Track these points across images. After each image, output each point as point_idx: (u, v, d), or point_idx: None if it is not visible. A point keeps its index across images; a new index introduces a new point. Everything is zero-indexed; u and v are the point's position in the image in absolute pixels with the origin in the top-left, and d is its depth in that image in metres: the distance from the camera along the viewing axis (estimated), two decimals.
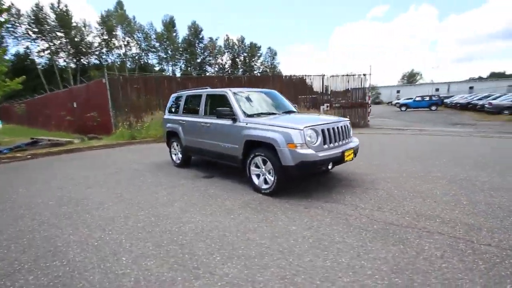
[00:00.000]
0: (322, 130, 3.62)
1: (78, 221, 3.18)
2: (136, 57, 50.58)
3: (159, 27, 51.50)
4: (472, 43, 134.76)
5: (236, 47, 59.99)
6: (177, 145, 5.79)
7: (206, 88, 5.20)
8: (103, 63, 44.97)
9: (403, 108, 27.45)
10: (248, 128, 3.95)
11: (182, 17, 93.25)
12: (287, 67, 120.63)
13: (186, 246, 2.51)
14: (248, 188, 4.10)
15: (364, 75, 13.86)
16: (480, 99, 22.47)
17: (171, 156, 6.03)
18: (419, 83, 62.33)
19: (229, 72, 55.35)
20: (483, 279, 1.88)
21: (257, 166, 3.95)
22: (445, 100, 29.48)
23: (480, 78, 66.50)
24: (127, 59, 48.53)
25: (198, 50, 55.80)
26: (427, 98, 27.37)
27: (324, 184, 4.14)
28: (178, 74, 47.17)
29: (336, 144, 3.81)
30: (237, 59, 60.37)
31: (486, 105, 19.02)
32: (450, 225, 2.67)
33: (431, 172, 4.61)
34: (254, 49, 60.83)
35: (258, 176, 3.96)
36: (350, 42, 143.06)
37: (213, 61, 56.97)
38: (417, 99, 27.66)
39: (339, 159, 3.68)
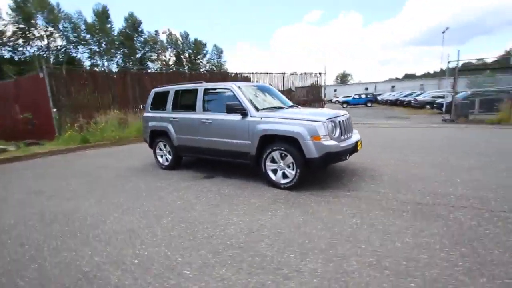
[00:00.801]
0: (339, 122, 3.77)
1: (90, 239, 2.64)
2: (62, 50, 43.91)
3: (90, 17, 45.76)
4: (392, 48, 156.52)
5: (180, 43, 57.33)
6: (164, 146, 5.27)
7: (201, 83, 4.86)
8: (19, 56, 37.72)
9: (345, 105, 30.38)
10: (264, 123, 3.85)
11: (117, 7, 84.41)
12: (233, 66, 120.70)
13: (247, 248, 2.33)
14: (261, 185, 4.00)
15: (320, 73, 14.85)
16: (405, 96, 26.32)
17: (156, 158, 5.46)
18: (350, 83, 69.71)
19: (174, 68, 52.56)
20: None
21: (273, 161, 3.88)
22: (377, 97, 33.66)
23: (397, 79, 77.81)
24: (50, 52, 41.67)
25: (138, 44, 51.45)
26: (364, 96, 30.85)
27: (328, 175, 4.31)
28: (114, 70, 42.67)
29: (347, 135, 4.01)
30: (181, 56, 57.76)
31: (412, 101, 22.43)
32: (465, 200, 3.09)
33: (410, 159, 5.23)
34: (199, 46, 59.08)
35: (274, 171, 3.90)
36: (289, 43, 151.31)
37: (156, 57, 53.30)
38: (356, 96, 30.95)
39: (354, 149, 3.89)
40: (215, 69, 58.50)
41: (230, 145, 4.23)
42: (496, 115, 11.19)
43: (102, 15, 45.39)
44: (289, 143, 3.67)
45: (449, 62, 13.08)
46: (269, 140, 3.87)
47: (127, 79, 11.19)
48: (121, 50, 49.06)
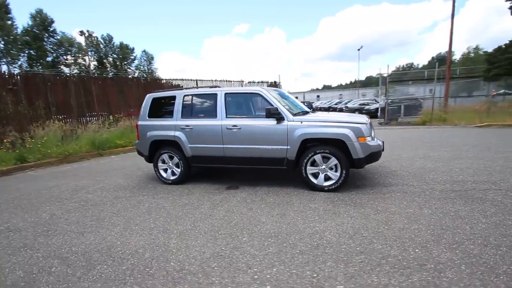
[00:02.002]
0: (371, 124, 4.06)
1: (178, 275, 2.11)
2: None
3: None
4: (311, 62, 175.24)
5: (102, 46, 51.17)
6: (170, 157, 4.63)
7: (218, 87, 4.50)
8: None
9: None
10: (306, 127, 3.82)
11: (21, 2, 69.75)
12: (166, 74, 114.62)
13: (373, 251, 2.27)
14: (298, 189, 3.95)
15: (275, 82, 15.53)
16: (336, 104, 29.84)
17: (159, 173, 4.73)
18: None
19: (96, 74, 46.55)
20: None
21: (312, 165, 3.88)
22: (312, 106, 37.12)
23: (317, 89, 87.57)
24: None
25: (49, 46, 43.51)
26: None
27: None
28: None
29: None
30: (104, 61, 51.58)
31: (344, 108, 25.60)
32: (482, 184, 3.74)
33: (398, 155, 5.99)
34: (125, 50, 53.92)
35: (313, 175, 3.90)
36: (219, 53, 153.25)
37: (72, 61, 46.04)
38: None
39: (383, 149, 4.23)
40: (145, 76, 54.33)
41: (263, 151, 4.04)
42: (418, 118, 13.84)
43: (0, 9, 36.79)
44: (334, 145, 3.75)
45: (381, 74, 15.36)
46: (310, 144, 3.87)
47: (70, 85, 9.37)
48: (26, 51, 40.56)
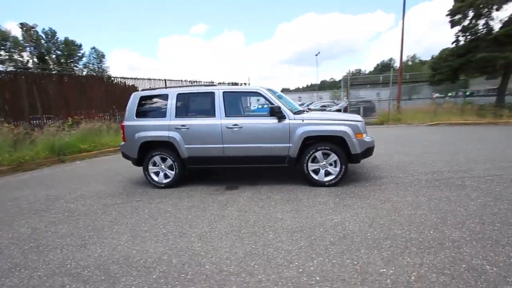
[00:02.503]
0: (364, 122, 4.36)
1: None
2: None
3: None
4: (270, 65, 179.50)
5: (43, 41, 45.68)
6: (162, 159, 4.37)
7: (214, 85, 4.39)
8: None
9: None
10: (307, 125, 3.95)
11: None
12: (118, 73, 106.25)
13: (384, 241, 2.45)
14: (299, 185, 4.07)
15: (245, 84, 15.61)
16: (299, 105, 31.06)
17: (149, 176, 4.42)
18: None
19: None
20: None
21: (313, 161, 4.03)
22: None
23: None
24: None
25: None
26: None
27: None
28: None
29: None
30: (47, 57, 46.12)
31: (306, 110, 26.77)
32: (456, 173, 4.27)
33: (379, 151, 6.49)
34: (71, 46, 48.97)
35: (314, 171, 4.05)
36: (177, 53, 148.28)
37: (7, 57, 40.16)
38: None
39: None
40: (96, 75, 49.93)
41: (265, 150, 4.06)
42: (376, 118, 15.17)
43: None
44: (333, 142, 3.95)
45: (343, 77, 16.47)
46: (311, 142, 4.00)
47: (20, 82, 8.21)
48: None
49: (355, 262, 2.11)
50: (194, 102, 4.36)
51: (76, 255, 2.49)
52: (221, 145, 4.13)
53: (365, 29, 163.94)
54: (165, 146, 4.33)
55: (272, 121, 4.03)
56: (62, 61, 47.91)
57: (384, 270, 2.00)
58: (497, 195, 3.29)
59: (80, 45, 50.40)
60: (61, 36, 48.01)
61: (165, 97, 4.37)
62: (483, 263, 1.99)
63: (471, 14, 12.97)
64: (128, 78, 11.49)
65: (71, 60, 49.81)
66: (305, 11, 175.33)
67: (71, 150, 8.09)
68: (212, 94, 4.24)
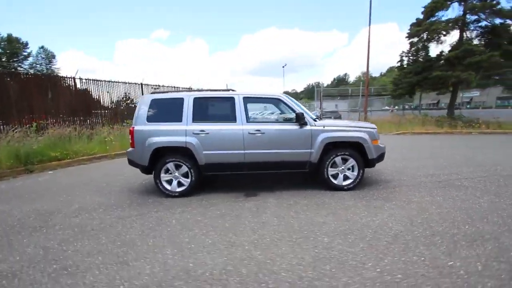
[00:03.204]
0: None
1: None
2: None
3: None
4: (235, 75, 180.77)
5: None
6: (177, 166, 4.10)
7: (233, 90, 4.31)
8: None
9: None
10: (328, 131, 4.08)
11: None
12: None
13: (433, 237, 2.64)
14: (317, 190, 4.15)
15: (231, 90, 15.46)
16: (269, 114, 31.73)
17: (161, 185, 4.11)
18: None
19: None
20: None
21: (332, 166, 4.17)
22: None
23: None
24: None
25: None
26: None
27: None
28: None
29: None
30: None
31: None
32: (451, 175, 4.76)
33: None
34: (15, 44, 43.61)
35: (333, 176, 4.18)
36: (136, 57, 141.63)
37: None
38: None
39: None
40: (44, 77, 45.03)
41: (287, 155, 4.08)
42: None
43: None
44: (352, 147, 4.13)
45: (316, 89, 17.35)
46: (331, 147, 4.14)
47: None
48: None
49: (422, 258, 2.23)
50: (213, 107, 4.23)
51: (122, 274, 2.19)
52: (242, 151, 4.05)
53: (323, 45, 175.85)
54: (180, 152, 4.09)
55: (294, 127, 4.09)
56: (3, 59, 42.23)
57: (452, 263, 2.14)
58: (496, 193, 3.76)
59: (26, 43, 45.18)
60: (3, 32, 42.47)
61: (180, 101, 4.16)
62: None
63: (425, 37, 14.78)
64: (101, 81, 10.60)
65: (15, 59, 44.23)
66: (268, 25, 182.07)
67: (39, 159, 7.13)
68: (232, 99, 4.16)
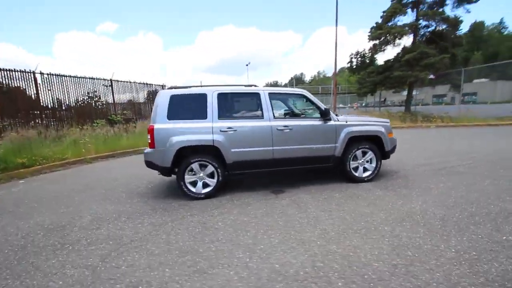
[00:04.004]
0: None
1: None
2: None
3: None
4: (193, 72, 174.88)
5: None
6: (202, 167, 3.87)
7: (256, 86, 4.19)
8: None
9: None
10: (350, 126, 4.23)
11: None
12: None
13: (480, 216, 2.95)
14: (339, 183, 4.31)
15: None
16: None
17: (186, 187, 3.83)
18: None
19: None
20: None
21: (353, 160, 4.35)
22: None
23: None
24: None
25: None
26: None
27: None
28: None
29: None
30: None
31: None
32: (444, 163, 5.32)
33: None
34: None
35: (354, 169, 4.37)
36: (80, 51, 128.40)
37: None
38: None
39: None
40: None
41: (314, 150, 4.14)
42: None
43: None
44: (370, 141, 4.36)
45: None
46: (352, 141, 4.31)
47: None
48: None
49: (480, 236, 2.47)
50: (238, 103, 4.08)
51: (210, 283, 2.01)
52: (271, 148, 3.99)
53: (279, 45, 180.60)
54: (206, 151, 3.86)
55: (319, 122, 4.17)
56: None
57: (505, 237, 2.42)
58: (492, 176, 4.32)
59: None
60: None
61: (202, 97, 3.92)
62: None
63: (386, 39, 16.17)
64: (66, 76, 9.38)
65: None
66: (225, 23, 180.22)
67: (3, 167, 6.08)
68: (257, 95, 4.06)
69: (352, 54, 18.38)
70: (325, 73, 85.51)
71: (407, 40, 16.09)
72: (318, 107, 4.20)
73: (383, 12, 16.45)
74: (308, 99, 4.28)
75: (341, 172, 4.39)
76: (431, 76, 14.54)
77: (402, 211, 3.15)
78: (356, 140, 4.30)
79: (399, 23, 16.29)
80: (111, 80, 10.81)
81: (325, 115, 4.10)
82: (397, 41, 16.28)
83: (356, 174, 4.34)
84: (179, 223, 3.12)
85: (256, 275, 2.08)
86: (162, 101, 3.85)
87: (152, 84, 12.69)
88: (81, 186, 4.97)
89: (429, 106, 35.87)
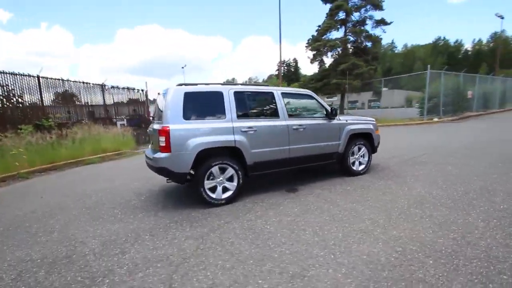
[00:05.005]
0: None
1: None
2: None
3: None
4: (112, 72, 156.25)
5: None
6: (221, 170, 3.58)
7: (265, 86, 4.12)
8: None
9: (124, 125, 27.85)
10: (350, 124, 4.61)
11: None
12: None
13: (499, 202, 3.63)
14: (339, 177, 4.63)
15: (142, 90, 13.60)
16: None
17: (206, 193, 3.48)
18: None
19: None
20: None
21: (352, 155, 4.75)
22: None
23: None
24: None
25: None
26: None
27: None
28: None
29: None
30: None
31: None
32: (432, 155, 6.28)
33: None
34: None
35: (352, 163, 4.77)
36: None
37: None
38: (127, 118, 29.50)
39: None
40: None
41: (322, 148, 4.34)
42: None
43: None
44: (363, 138, 4.84)
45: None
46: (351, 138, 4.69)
47: None
48: None
49: (496, 207, 3.05)
50: (254, 102, 3.95)
51: (319, 285, 1.92)
52: (288, 147, 4.01)
53: (209, 50, 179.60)
54: (224, 154, 3.61)
55: (326, 121, 4.40)
56: None
57: None
58: (448, 163, 5.33)
59: None
60: None
61: (219, 95, 3.65)
62: None
63: (321, 50, 18.09)
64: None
65: None
66: (149, 21, 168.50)
67: None
68: (271, 94, 4.03)
69: (279, 62, 19.93)
70: (257, 79, 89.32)
71: (339, 52, 18.39)
72: (323, 107, 4.44)
73: (318, 26, 18.43)
74: (314, 99, 4.47)
75: (341, 167, 4.74)
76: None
77: (414, 195, 3.62)
78: (354, 137, 4.72)
79: (331, 37, 18.57)
80: (38, 77, 8.79)
81: (329, 114, 4.36)
82: (330, 53, 18.50)
83: (354, 168, 4.75)
84: (221, 232, 2.83)
85: (355, 269, 2.08)
86: (175, 99, 3.42)
87: (89, 83, 10.87)
88: (46, 208, 3.93)
89: (362, 110, 41.10)
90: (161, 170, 3.41)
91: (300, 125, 4.12)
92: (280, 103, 4.05)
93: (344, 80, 16.19)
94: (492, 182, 3.98)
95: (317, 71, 19.03)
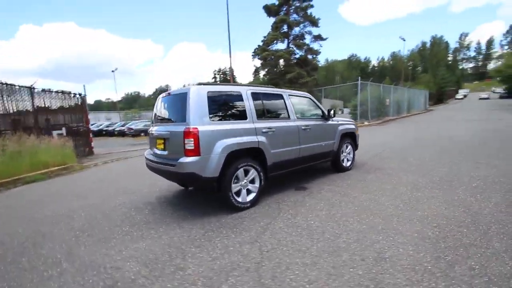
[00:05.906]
0: None
1: None
2: None
3: None
4: (13, 74, 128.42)
5: None
6: (245, 172, 3.49)
7: (272, 87, 4.19)
8: None
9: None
10: (341, 125, 5.06)
11: None
12: None
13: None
14: (331, 173, 5.08)
15: (80, 94, 11.79)
16: (122, 126, 25.94)
17: (233, 198, 3.32)
18: None
19: None
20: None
21: (342, 153, 5.22)
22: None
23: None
24: None
25: None
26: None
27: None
28: None
29: None
30: None
31: (126, 131, 23.74)
32: (382, 150, 7.21)
33: None
34: None
35: (342, 161, 5.25)
36: None
37: None
38: None
39: None
40: None
41: (323, 147, 4.65)
42: None
43: None
44: (350, 137, 5.38)
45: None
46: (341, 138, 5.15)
47: None
48: None
49: (493, 186, 3.82)
50: (268, 103, 3.96)
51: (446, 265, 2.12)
52: (298, 146, 4.17)
53: (138, 54, 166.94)
54: (252, 155, 3.55)
55: (324, 122, 4.75)
56: None
57: None
58: (412, 156, 6.37)
59: None
60: None
61: (238, 95, 3.58)
62: None
63: (268, 59, 19.09)
64: None
65: None
66: (64, 18, 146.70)
67: None
68: (281, 96, 4.14)
69: (215, 70, 20.34)
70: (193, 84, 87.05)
71: (284, 63, 19.72)
72: (320, 109, 4.78)
73: (264, 37, 19.45)
74: (312, 101, 4.77)
75: (334, 164, 5.14)
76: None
77: (406, 183, 4.22)
78: (344, 137, 5.21)
79: (277, 48, 19.82)
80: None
81: (328, 116, 4.74)
82: (279, 61, 19.68)
83: (344, 165, 5.24)
84: (272, 233, 2.78)
85: (418, 245, 2.36)
86: (198, 99, 3.20)
87: (13, 85, 8.80)
88: (21, 237, 3.09)
89: None
90: (186, 177, 3.11)
91: (306, 125, 4.34)
92: (290, 104, 4.21)
93: (292, 88, 17.43)
94: (451, 168, 4.96)
95: (266, 79, 19.98)
